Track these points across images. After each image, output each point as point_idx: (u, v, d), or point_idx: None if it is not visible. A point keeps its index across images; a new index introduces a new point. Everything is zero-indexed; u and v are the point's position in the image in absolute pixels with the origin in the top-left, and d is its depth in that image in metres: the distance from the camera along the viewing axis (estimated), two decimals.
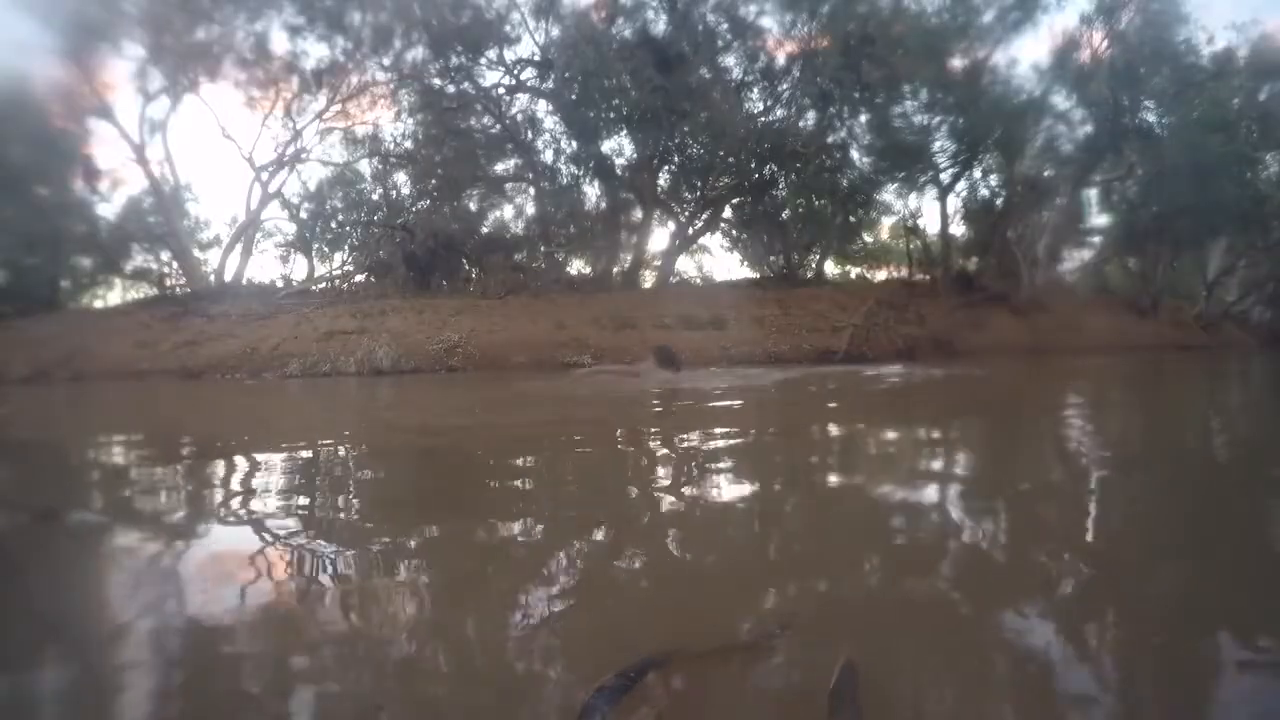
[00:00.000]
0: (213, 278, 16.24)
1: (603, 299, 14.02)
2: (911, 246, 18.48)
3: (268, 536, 2.14)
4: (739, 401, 6.02)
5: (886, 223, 21.68)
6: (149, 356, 11.74)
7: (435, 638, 1.45)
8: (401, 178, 17.39)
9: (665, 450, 3.67)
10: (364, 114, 16.95)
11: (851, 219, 18.34)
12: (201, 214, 20.38)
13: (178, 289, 16.89)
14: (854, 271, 22.67)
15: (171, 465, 3.56)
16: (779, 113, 15.87)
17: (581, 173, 16.68)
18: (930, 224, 17.85)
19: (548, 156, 16.57)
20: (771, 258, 18.07)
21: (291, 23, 14.83)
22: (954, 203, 17.63)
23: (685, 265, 21.18)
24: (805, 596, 1.65)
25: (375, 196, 17.28)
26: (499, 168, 17.15)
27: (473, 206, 16.80)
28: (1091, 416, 5.29)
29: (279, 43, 15.91)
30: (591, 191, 17.12)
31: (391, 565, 1.87)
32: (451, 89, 14.91)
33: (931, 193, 16.93)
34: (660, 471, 3.18)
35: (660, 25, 14.21)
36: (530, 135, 16.10)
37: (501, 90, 15.73)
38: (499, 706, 1.19)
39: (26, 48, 15.00)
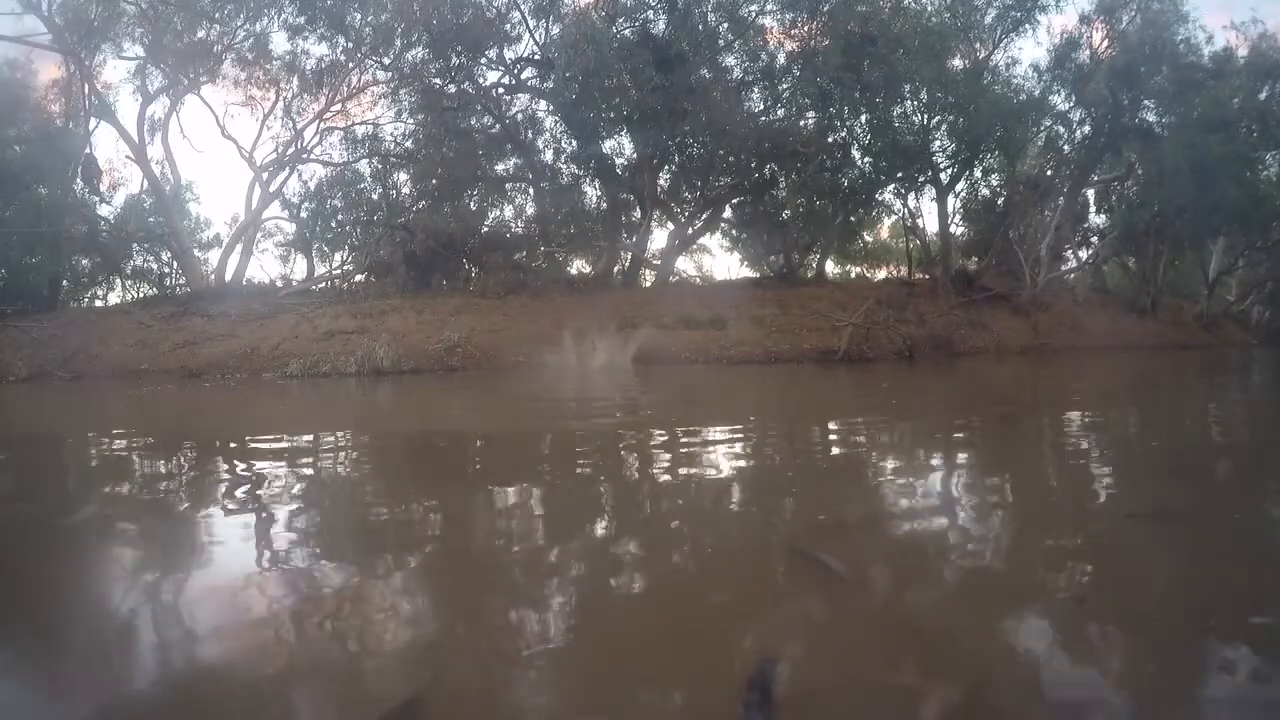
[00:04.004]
0: (213, 278, 16.23)
1: (603, 299, 14.01)
2: (911, 246, 18.48)
3: None
4: None
5: (886, 222, 21.76)
6: (149, 356, 11.74)
7: None
8: (401, 178, 17.44)
9: None
10: (364, 114, 17.00)
11: (851, 219, 18.34)
12: (201, 214, 20.45)
13: (178, 289, 16.89)
14: (854, 271, 22.70)
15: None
16: (779, 113, 15.88)
17: (581, 173, 16.70)
18: (930, 224, 17.85)
19: (548, 156, 16.61)
20: (771, 257, 18.06)
21: (291, 23, 14.83)
22: (954, 202, 17.67)
23: (685, 265, 21.26)
24: None
25: (375, 196, 17.28)
26: (499, 168, 17.16)
27: (473, 206, 16.80)
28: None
29: (279, 43, 15.96)
30: (591, 191, 17.17)
31: None
32: (451, 89, 14.89)
33: (931, 193, 16.94)
34: None
35: (660, 25, 14.20)
36: (530, 135, 16.11)
37: (501, 90, 15.73)
38: None
39: (27, 47, 15.02)
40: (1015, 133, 15.67)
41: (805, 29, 14.83)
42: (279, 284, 17.03)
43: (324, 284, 16.63)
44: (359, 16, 14.40)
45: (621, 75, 13.19)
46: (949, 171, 16.88)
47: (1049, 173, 17.25)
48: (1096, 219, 19.27)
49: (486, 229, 16.27)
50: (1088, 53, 15.60)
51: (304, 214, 17.55)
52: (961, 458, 3.55)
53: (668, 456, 3.61)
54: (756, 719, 1.07)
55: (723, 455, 3.53)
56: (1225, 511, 2.34)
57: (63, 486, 3.23)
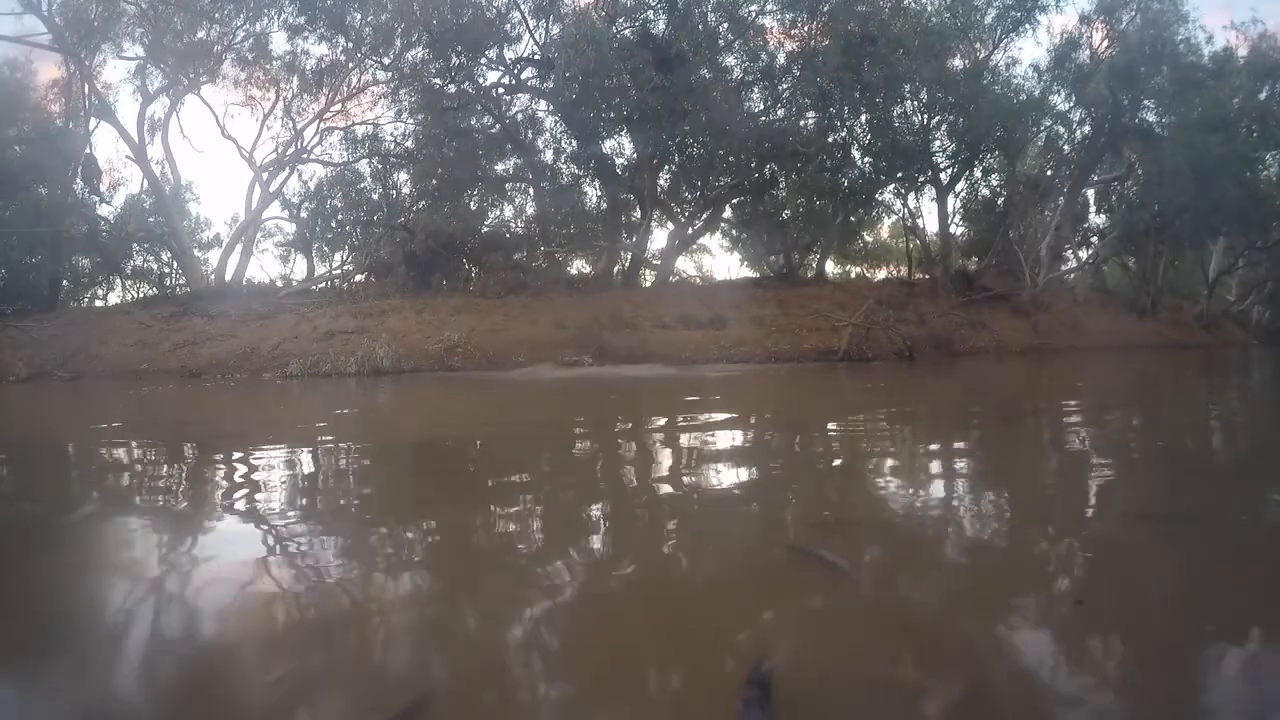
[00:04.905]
0: (213, 278, 16.23)
1: (603, 299, 14.01)
2: (911, 246, 18.49)
3: None
4: None
5: (886, 222, 21.78)
6: (149, 356, 11.74)
7: None
8: (401, 178, 17.45)
9: None
10: (364, 114, 17.01)
11: (851, 219, 18.34)
12: (201, 214, 20.46)
13: (178, 289, 16.90)
14: (854, 271, 22.71)
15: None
16: (779, 113, 15.88)
17: (581, 173, 16.70)
18: (930, 224, 17.86)
19: (548, 156, 16.63)
20: (771, 257, 18.07)
21: (291, 23, 14.83)
22: (954, 202, 17.67)
23: (685, 265, 21.26)
24: None
25: (375, 196, 17.29)
26: (499, 168, 17.16)
27: (473, 206, 16.80)
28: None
29: (279, 43, 15.97)
30: (591, 191, 17.17)
31: None
32: (451, 89, 14.89)
33: (931, 193, 16.94)
34: None
35: (660, 25, 14.21)
36: (530, 135, 16.11)
37: (501, 90, 15.73)
38: None
39: (27, 47, 15.03)
40: (1015, 133, 15.68)
41: (805, 29, 14.84)
42: (279, 284, 17.04)
43: (324, 284, 16.64)
44: (359, 16, 14.40)
45: (621, 75, 13.19)
46: (949, 171, 16.89)
47: (1049, 173, 17.26)
48: (1096, 219, 19.32)
49: (486, 229, 16.28)
50: (1088, 53, 15.61)
51: (304, 214, 17.56)
52: (962, 457, 3.55)
53: (669, 456, 3.61)
54: (756, 715, 1.07)
55: (724, 454, 3.52)
56: (1229, 512, 2.34)
57: (63, 486, 3.23)
